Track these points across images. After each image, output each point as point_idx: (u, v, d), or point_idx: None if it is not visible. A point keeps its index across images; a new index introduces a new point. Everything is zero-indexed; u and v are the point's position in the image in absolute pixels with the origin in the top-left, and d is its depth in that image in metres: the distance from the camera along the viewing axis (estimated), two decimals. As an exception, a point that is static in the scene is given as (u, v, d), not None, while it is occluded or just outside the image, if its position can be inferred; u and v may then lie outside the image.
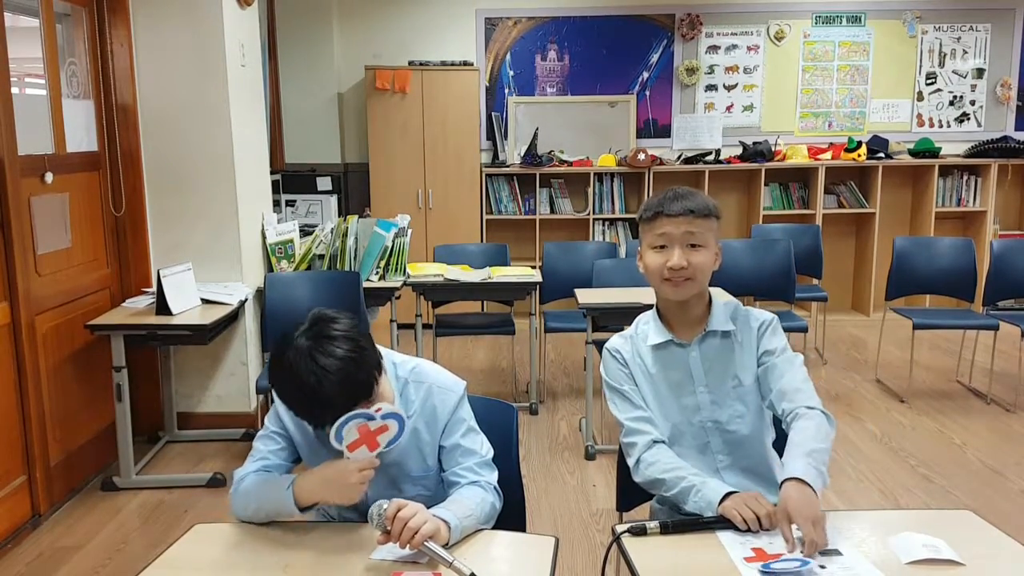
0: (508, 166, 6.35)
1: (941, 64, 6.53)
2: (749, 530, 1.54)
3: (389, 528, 1.46)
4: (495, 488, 1.73)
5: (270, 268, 4.30)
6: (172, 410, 4.10)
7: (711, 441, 1.84)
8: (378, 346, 1.65)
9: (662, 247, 1.81)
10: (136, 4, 3.86)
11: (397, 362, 1.77)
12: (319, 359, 1.50)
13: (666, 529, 1.55)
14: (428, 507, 1.56)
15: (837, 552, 1.49)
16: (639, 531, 1.55)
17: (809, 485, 1.55)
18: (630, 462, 1.82)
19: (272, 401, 1.78)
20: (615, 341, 1.93)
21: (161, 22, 3.87)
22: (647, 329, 1.90)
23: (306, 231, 4.66)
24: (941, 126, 6.59)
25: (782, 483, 1.58)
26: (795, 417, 1.73)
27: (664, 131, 6.56)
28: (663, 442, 1.81)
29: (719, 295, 2.08)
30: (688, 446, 1.84)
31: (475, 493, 1.67)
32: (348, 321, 1.59)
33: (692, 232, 1.79)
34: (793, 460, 1.61)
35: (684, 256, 1.78)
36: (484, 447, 1.77)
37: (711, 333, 1.85)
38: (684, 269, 1.78)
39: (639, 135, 6.54)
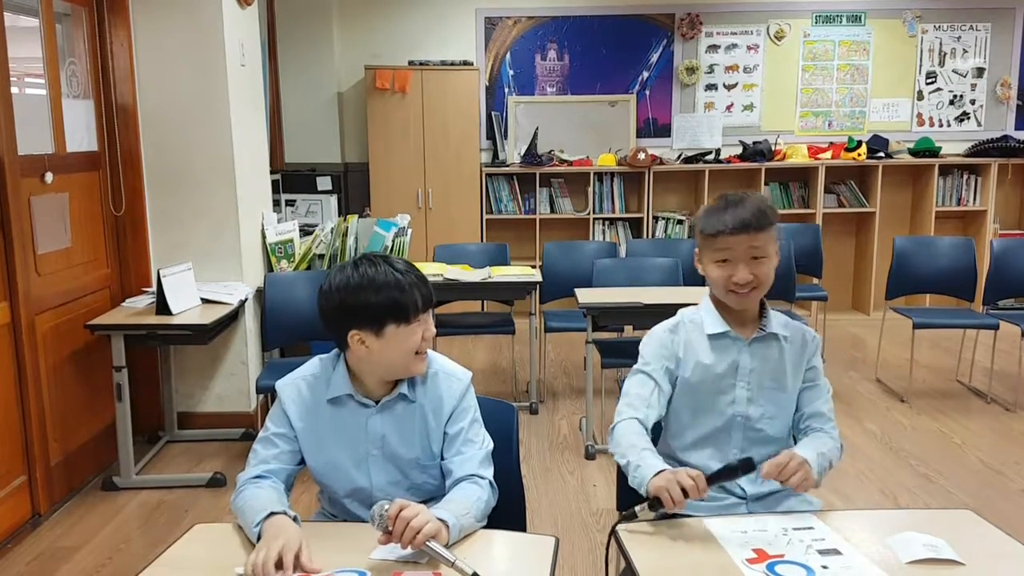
0: (508, 166, 6.35)
1: (941, 63, 6.53)
2: (676, 515, 1.61)
3: (391, 528, 1.46)
4: (490, 483, 1.73)
5: (270, 268, 4.30)
6: (172, 410, 4.10)
7: (733, 435, 1.90)
8: None
9: (725, 261, 1.85)
10: (136, 4, 3.86)
11: None
12: (391, 263, 1.71)
13: (655, 507, 1.60)
14: (435, 497, 1.56)
15: (837, 552, 1.49)
16: (630, 516, 1.60)
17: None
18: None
19: (274, 400, 1.79)
20: (665, 325, 1.98)
21: (161, 22, 3.87)
22: (701, 318, 1.93)
23: (306, 231, 4.66)
24: (941, 125, 6.59)
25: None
26: (815, 430, 1.91)
27: (664, 131, 6.56)
28: (636, 418, 1.88)
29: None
30: (708, 434, 1.91)
31: (471, 491, 1.67)
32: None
33: (755, 247, 1.83)
34: (803, 448, 1.79)
35: (748, 270, 1.82)
36: (485, 440, 1.78)
37: (769, 335, 1.90)
38: (749, 282, 1.83)
39: (639, 134, 6.54)
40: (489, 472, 1.75)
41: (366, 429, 1.73)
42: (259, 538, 1.53)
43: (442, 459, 1.76)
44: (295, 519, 1.59)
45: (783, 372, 1.90)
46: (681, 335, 1.93)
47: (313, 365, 1.78)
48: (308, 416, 1.74)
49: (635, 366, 1.94)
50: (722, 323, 1.91)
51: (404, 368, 1.72)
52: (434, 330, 1.75)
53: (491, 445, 1.78)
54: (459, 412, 1.76)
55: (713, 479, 1.61)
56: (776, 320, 1.93)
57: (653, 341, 1.95)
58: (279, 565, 1.44)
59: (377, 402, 1.73)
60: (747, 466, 1.64)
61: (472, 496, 1.65)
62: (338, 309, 1.68)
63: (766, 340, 1.90)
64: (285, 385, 1.77)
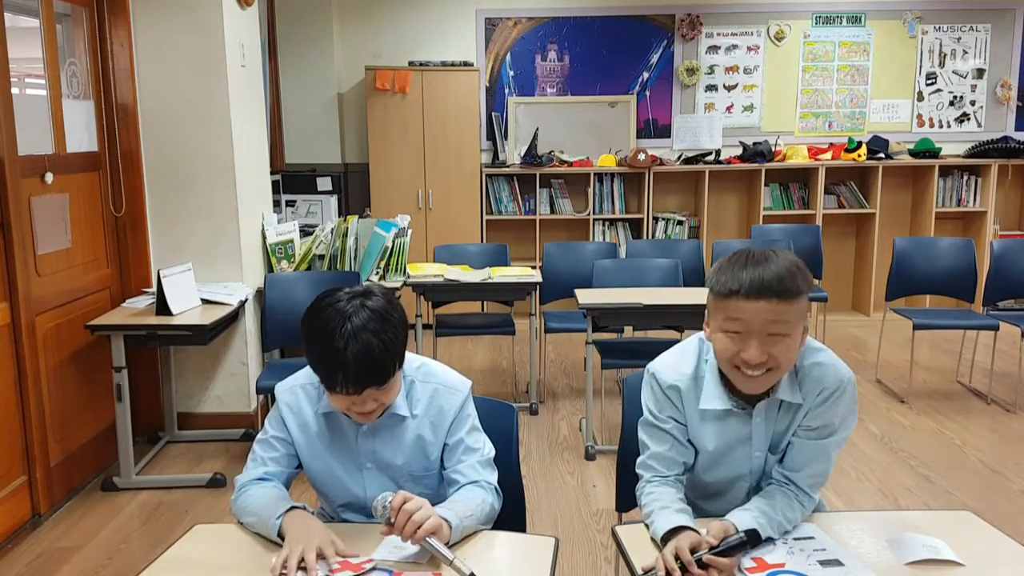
0: (508, 166, 6.35)
1: (941, 64, 6.53)
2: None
3: (393, 520, 1.46)
4: (495, 489, 1.73)
5: (270, 268, 4.30)
6: (172, 410, 4.10)
7: (749, 493, 1.74)
8: None
9: (736, 333, 1.54)
10: (136, 4, 3.86)
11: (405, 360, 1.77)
12: (353, 325, 1.53)
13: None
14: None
15: (838, 563, 1.47)
16: None
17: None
18: (637, 487, 1.73)
19: (273, 402, 1.79)
20: (670, 374, 1.69)
21: (161, 22, 3.87)
22: (703, 383, 1.66)
23: (306, 231, 4.66)
24: (941, 126, 6.59)
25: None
26: (783, 488, 1.66)
27: (664, 131, 6.55)
28: (665, 478, 1.68)
29: None
30: (722, 489, 1.76)
31: (476, 494, 1.67)
32: (391, 304, 1.62)
33: (775, 321, 1.50)
34: (751, 511, 1.56)
35: (763, 349, 1.51)
36: (486, 446, 1.77)
37: (780, 402, 1.65)
38: (763, 363, 1.53)
39: (639, 135, 6.54)
40: (493, 477, 1.74)
41: (357, 444, 1.72)
42: (278, 532, 1.54)
43: (443, 468, 1.75)
44: (313, 514, 1.61)
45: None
46: (678, 399, 1.69)
47: (310, 372, 1.75)
48: (304, 426, 1.74)
49: (645, 417, 1.72)
50: (724, 397, 1.63)
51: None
52: (371, 407, 1.60)
53: (492, 451, 1.78)
54: (458, 422, 1.74)
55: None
56: (787, 383, 1.62)
57: (653, 395, 1.71)
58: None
59: None
60: (755, 540, 1.45)
61: (476, 498, 1.65)
62: (301, 327, 1.62)
63: (781, 406, 1.65)
64: (284, 391, 1.76)
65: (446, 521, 1.51)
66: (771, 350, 1.52)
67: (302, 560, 1.44)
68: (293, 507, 1.59)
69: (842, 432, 1.69)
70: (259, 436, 1.77)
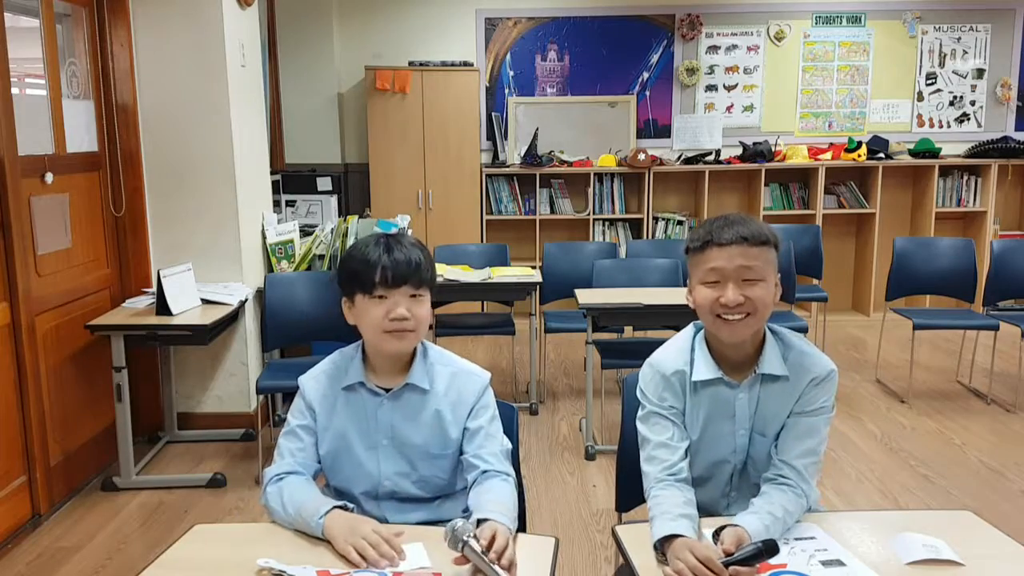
0: (508, 166, 6.35)
1: (941, 64, 6.53)
2: None
3: (461, 551, 1.42)
4: (515, 482, 1.75)
5: (270, 268, 4.30)
6: (172, 410, 4.10)
7: (733, 477, 1.77)
8: None
9: (715, 282, 1.64)
10: (136, 4, 3.86)
11: (426, 345, 1.82)
12: (392, 239, 1.74)
13: None
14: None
15: (840, 563, 1.48)
16: None
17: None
18: (644, 484, 1.73)
19: (277, 401, 1.80)
20: (672, 363, 1.76)
21: (161, 22, 3.87)
22: (692, 362, 1.74)
23: (306, 231, 4.66)
24: (941, 126, 6.59)
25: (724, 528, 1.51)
26: (778, 483, 1.67)
27: (664, 131, 6.55)
28: (671, 469, 1.69)
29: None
30: (706, 474, 1.77)
31: (508, 492, 1.67)
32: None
33: (748, 266, 1.62)
34: (753, 514, 1.57)
35: (739, 291, 1.62)
36: (505, 439, 1.80)
37: (764, 376, 1.70)
38: (741, 305, 1.62)
39: (639, 135, 6.54)
40: (512, 471, 1.76)
41: (376, 418, 1.75)
42: (322, 531, 1.56)
43: (462, 453, 1.77)
44: (352, 511, 1.63)
45: (785, 416, 1.72)
46: (679, 384, 1.74)
47: (334, 357, 1.82)
48: (325, 402, 1.77)
49: (645, 409, 1.76)
50: (713, 368, 1.70)
51: (376, 345, 1.73)
52: (404, 312, 1.68)
53: (510, 445, 1.80)
54: (479, 408, 1.77)
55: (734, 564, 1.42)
56: (772, 358, 1.69)
57: (654, 383, 1.76)
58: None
59: (388, 391, 1.75)
60: (771, 549, 1.43)
61: (511, 498, 1.65)
62: (336, 272, 1.80)
63: (763, 383, 1.70)
64: (307, 379, 1.81)
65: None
66: (746, 292, 1.62)
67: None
68: (335, 507, 1.60)
69: (828, 412, 1.74)
70: (283, 430, 1.80)
